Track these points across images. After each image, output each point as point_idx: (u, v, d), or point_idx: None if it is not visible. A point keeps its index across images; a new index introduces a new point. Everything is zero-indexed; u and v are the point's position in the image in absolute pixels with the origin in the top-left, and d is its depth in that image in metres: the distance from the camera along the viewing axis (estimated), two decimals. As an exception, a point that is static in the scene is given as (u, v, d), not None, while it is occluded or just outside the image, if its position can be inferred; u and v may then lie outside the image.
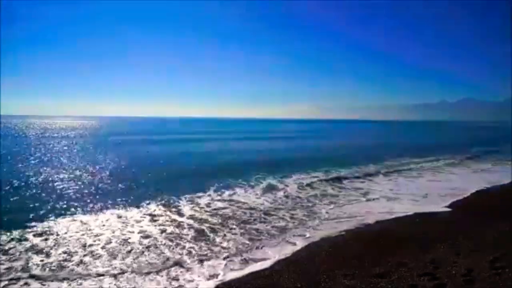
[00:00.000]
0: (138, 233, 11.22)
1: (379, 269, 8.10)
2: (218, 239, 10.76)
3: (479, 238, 10.08)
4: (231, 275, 8.35)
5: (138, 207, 14.35)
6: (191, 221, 12.51)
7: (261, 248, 10.19)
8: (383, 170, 25.11)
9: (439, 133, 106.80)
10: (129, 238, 10.74)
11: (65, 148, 40.89)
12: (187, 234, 11.15)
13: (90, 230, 11.42)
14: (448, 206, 14.80)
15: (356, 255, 9.13)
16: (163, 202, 15.12)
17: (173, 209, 14.04)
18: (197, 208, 14.27)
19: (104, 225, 11.93)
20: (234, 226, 12.08)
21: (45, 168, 24.29)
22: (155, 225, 12.03)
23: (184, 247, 10.04)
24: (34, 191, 17.02)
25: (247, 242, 10.58)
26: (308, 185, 19.37)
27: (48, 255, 9.40)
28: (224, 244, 10.36)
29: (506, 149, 41.78)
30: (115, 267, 8.70)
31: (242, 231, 11.60)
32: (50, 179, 20.32)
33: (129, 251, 9.69)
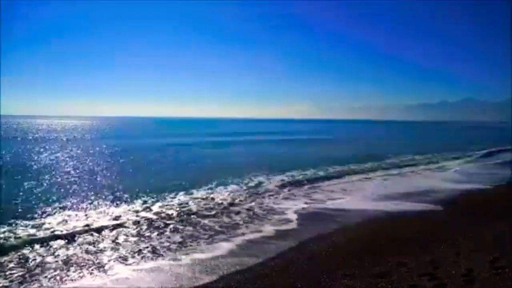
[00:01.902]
0: (97, 227, 11.83)
1: (379, 269, 8.10)
2: (154, 235, 11.26)
3: (479, 238, 10.07)
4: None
5: (119, 205, 14.89)
6: (153, 217, 13.14)
7: (196, 245, 10.42)
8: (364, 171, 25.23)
9: (439, 133, 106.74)
10: (86, 234, 11.24)
11: (67, 151, 40.95)
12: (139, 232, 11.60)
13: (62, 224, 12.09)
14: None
15: (356, 255, 9.12)
16: (143, 201, 15.50)
17: (145, 207, 14.52)
18: (167, 205, 14.85)
19: (78, 220, 12.58)
20: (185, 222, 12.63)
21: (47, 172, 24.32)
22: (117, 221, 12.53)
23: (124, 246, 10.30)
24: (31, 191, 17.12)
25: (180, 239, 10.84)
26: (286, 184, 20.08)
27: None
28: (163, 240, 10.70)
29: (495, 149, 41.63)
30: (56, 260, 9.15)
31: (190, 228, 12.03)
32: (53, 181, 20.39)
33: (77, 245, 10.25)
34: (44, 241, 10.39)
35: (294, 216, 13.48)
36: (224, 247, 10.23)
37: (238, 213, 13.85)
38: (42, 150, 38.09)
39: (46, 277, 8.19)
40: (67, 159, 30.68)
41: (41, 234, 11.03)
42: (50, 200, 15.28)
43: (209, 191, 17.82)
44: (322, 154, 36.40)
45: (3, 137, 54.93)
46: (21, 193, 16.41)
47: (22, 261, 9.07)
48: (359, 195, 17.32)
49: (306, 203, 15.64)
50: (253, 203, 15.36)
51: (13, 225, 11.76)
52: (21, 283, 7.90)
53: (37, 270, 8.52)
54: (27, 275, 8.24)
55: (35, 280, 8.02)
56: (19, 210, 13.60)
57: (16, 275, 8.27)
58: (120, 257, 9.43)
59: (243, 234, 11.42)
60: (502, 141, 56.70)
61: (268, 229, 11.95)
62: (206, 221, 12.83)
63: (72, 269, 8.62)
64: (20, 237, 10.66)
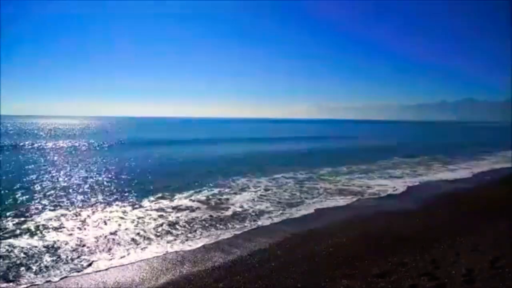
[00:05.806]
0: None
1: (379, 269, 8.10)
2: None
3: (479, 238, 10.07)
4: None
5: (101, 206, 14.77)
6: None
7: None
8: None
9: (438, 133, 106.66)
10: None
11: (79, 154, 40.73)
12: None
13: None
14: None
15: (356, 255, 9.13)
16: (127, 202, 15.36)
17: (123, 208, 14.42)
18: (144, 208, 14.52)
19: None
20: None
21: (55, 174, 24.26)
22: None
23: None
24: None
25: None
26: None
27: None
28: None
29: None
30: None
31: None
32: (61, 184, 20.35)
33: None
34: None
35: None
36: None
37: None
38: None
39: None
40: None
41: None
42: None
43: (194, 192, 17.69)
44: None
45: (6, 144, 43.87)
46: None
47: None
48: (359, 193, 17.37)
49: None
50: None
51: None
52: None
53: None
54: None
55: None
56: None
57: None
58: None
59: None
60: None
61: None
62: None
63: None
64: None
